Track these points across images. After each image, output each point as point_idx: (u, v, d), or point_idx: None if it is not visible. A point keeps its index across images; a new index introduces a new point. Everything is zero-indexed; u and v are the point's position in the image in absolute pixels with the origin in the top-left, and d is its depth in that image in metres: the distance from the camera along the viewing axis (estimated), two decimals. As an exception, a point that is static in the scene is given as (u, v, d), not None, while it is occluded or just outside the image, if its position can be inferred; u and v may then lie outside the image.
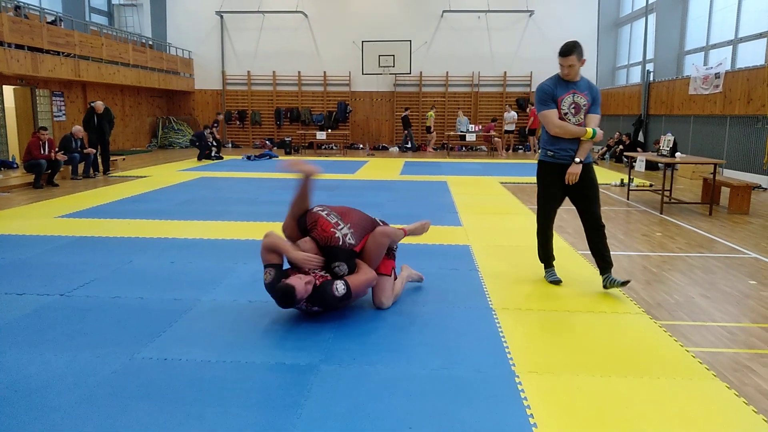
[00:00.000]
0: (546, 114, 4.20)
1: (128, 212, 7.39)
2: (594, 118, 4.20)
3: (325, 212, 3.76)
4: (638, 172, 11.84)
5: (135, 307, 3.89)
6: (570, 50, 4.09)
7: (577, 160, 4.17)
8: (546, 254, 4.56)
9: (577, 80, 4.20)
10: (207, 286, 4.35)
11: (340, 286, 3.52)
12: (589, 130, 4.15)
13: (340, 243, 3.62)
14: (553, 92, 4.19)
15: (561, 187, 4.29)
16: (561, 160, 4.24)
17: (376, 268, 3.80)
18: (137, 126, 19.38)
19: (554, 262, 4.59)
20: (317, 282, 3.54)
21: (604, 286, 4.28)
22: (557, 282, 4.47)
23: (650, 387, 2.85)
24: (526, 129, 18.69)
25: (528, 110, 18.67)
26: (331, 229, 3.64)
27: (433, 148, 19.67)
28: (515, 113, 18.64)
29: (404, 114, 19.46)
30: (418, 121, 20.57)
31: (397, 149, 19.79)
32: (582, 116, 4.19)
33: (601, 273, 4.34)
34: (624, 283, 4.17)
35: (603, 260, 4.31)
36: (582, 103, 4.17)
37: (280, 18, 20.45)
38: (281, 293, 3.41)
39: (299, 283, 3.42)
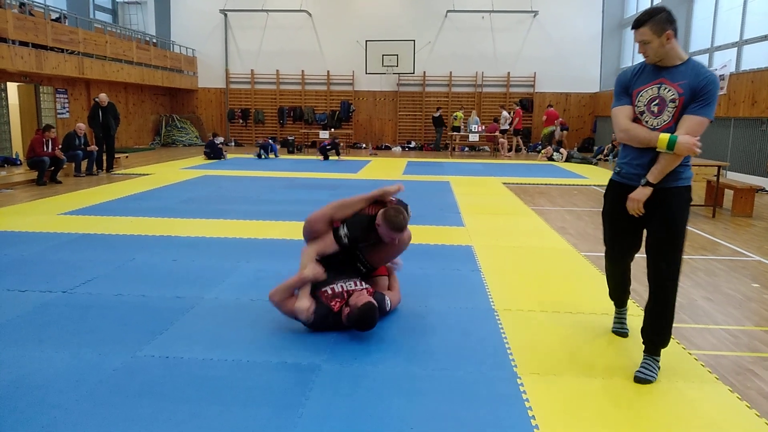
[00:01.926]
0: (613, 112, 3.02)
1: (131, 210, 7.39)
2: (691, 121, 2.77)
3: None
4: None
5: (137, 304, 3.89)
6: (641, 21, 2.84)
7: (644, 180, 2.87)
8: (616, 296, 3.50)
9: (674, 65, 2.85)
10: (209, 284, 4.35)
11: (388, 301, 3.66)
12: (664, 136, 2.76)
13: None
14: (628, 82, 2.96)
15: (626, 217, 3.02)
16: (627, 180, 3.00)
17: (381, 264, 3.91)
18: (140, 124, 19.40)
19: (627, 303, 3.54)
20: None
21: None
22: (623, 334, 3.48)
23: (652, 390, 2.84)
24: (512, 129, 18.49)
25: (512, 112, 18.43)
26: None
27: (461, 149, 19.78)
28: (508, 113, 18.46)
29: (437, 114, 19.46)
30: (419, 123, 20.59)
31: (400, 149, 19.84)
32: (668, 117, 2.84)
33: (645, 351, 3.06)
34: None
35: (647, 341, 3.04)
36: (670, 98, 2.82)
37: (284, 17, 20.44)
38: (365, 316, 3.27)
39: (368, 296, 3.41)
